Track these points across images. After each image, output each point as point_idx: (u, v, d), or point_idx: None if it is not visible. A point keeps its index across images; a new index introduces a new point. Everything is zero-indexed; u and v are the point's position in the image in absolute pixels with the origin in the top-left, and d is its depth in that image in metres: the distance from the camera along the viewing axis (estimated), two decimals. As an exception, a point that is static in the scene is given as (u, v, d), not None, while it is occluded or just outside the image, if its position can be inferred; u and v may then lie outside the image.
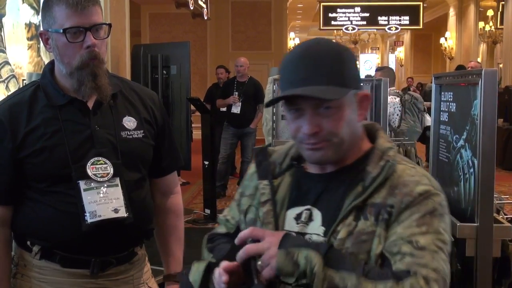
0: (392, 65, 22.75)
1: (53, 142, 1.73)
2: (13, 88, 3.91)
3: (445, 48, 18.13)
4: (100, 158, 1.75)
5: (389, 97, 5.66)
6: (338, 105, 1.23)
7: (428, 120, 6.20)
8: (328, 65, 1.23)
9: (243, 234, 1.23)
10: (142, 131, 1.86)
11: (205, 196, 6.78)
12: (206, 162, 6.66)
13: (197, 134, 8.02)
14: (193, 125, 7.76)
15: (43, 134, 1.74)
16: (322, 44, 1.27)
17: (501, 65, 14.38)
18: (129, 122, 1.84)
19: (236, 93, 7.64)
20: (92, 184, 1.73)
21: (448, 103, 2.29)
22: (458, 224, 1.84)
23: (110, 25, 1.78)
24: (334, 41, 1.36)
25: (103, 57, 1.77)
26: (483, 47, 16.70)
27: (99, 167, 1.75)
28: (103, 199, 1.73)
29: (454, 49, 17.78)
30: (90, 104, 1.79)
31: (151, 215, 1.94)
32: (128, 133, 1.83)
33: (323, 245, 1.18)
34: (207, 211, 6.61)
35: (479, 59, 15.58)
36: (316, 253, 1.14)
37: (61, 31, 1.70)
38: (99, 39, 1.74)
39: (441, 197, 1.26)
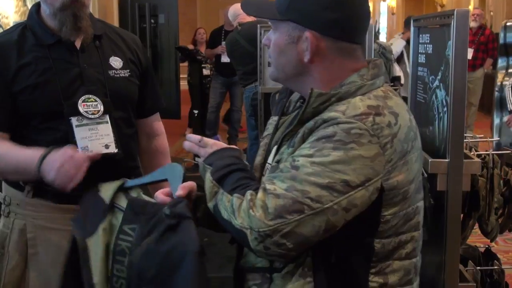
0: (384, 13, 22.53)
1: (45, 79, 1.78)
2: (-1, 37, 3.91)
3: (437, -5, 17.96)
4: (90, 96, 1.81)
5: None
6: (274, 28, 1.32)
7: (397, 70, 6.14)
8: None
9: (193, 137, 1.45)
10: (128, 70, 1.92)
11: (195, 145, 6.85)
12: (196, 111, 6.72)
13: (184, 84, 8.00)
14: (181, 76, 7.76)
15: (34, 71, 1.78)
16: None
17: (492, 13, 14.28)
18: (116, 61, 1.90)
19: (224, 42, 7.60)
20: (84, 121, 1.79)
21: (425, 45, 2.34)
22: (430, 160, 1.90)
23: None
24: None
25: (85, 0, 1.81)
26: (475, -6, 16.54)
27: (90, 104, 1.80)
28: (94, 135, 1.80)
29: (446, -4, 17.62)
30: (78, 44, 1.84)
31: (136, 153, 2.04)
32: (115, 72, 1.89)
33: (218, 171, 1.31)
34: (197, 159, 6.69)
35: (470, 7, 15.44)
36: (210, 174, 1.32)
37: None
38: None
39: (351, 125, 1.19)
